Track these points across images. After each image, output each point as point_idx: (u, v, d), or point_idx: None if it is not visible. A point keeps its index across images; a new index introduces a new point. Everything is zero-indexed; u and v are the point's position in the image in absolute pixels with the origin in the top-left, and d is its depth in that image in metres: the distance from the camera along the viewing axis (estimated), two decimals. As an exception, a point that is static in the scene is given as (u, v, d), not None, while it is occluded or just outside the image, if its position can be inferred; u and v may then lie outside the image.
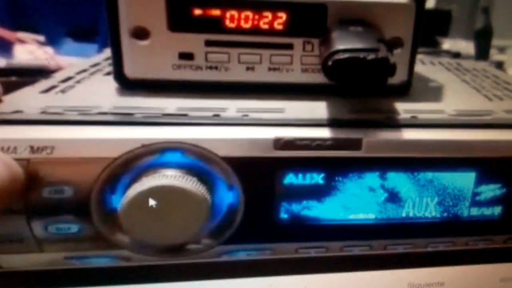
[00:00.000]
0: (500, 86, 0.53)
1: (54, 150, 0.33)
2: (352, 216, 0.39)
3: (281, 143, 0.35)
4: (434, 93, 0.49)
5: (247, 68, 0.43)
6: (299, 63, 0.43)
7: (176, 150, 0.35)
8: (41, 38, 1.12)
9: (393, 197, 0.39)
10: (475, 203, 0.40)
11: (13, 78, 0.63)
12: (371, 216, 0.39)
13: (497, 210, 0.40)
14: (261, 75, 0.43)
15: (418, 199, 0.39)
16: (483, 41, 1.13)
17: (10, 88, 0.41)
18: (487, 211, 0.40)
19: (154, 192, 0.32)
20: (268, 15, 0.41)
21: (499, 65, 1.10)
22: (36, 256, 0.35)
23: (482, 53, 1.12)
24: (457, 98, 0.47)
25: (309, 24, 0.42)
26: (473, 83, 0.54)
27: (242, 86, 0.43)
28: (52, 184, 0.34)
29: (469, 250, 0.37)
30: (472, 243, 0.41)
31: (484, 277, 0.35)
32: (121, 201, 0.33)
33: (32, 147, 0.33)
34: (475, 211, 0.40)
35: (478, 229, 0.41)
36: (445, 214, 0.40)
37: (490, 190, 0.39)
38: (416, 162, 0.38)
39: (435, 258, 0.35)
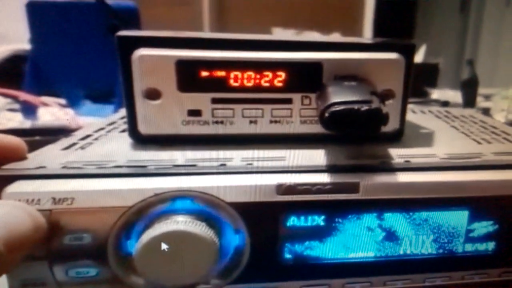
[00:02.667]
0: (488, 131, 0.53)
1: (74, 201, 0.34)
2: (352, 255, 0.39)
3: (283, 189, 0.36)
4: (426, 139, 0.49)
5: (250, 122, 0.43)
6: (298, 116, 0.44)
7: (185, 197, 0.36)
8: (62, 101, 1.13)
9: (391, 236, 0.39)
10: (469, 239, 0.40)
11: (37, 138, 0.64)
12: (371, 254, 0.39)
13: (490, 245, 0.40)
14: (263, 127, 0.44)
15: (415, 237, 0.39)
16: (469, 90, 1.14)
17: (34, 146, 0.41)
18: (481, 247, 0.40)
19: (166, 237, 0.33)
20: (269, 74, 0.42)
21: (486, 112, 1.10)
22: None
23: (469, 101, 1.12)
24: (447, 143, 0.47)
25: (306, 80, 0.43)
26: (462, 128, 0.55)
27: (246, 138, 0.43)
28: (72, 232, 0.35)
29: (465, 284, 0.37)
30: (468, 277, 0.41)
31: None
32: (135, 246, 0.34)
33: (54, 199, 0.34)
34: (469, 247, 0.40)
35: (473, 264, 0.41)
36: (440, 251, 0.40)
37: (483, 227, 0.40)
38: (411, 202, 0.38)
39: None
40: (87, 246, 0.35)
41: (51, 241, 0.35)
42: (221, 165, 0.38)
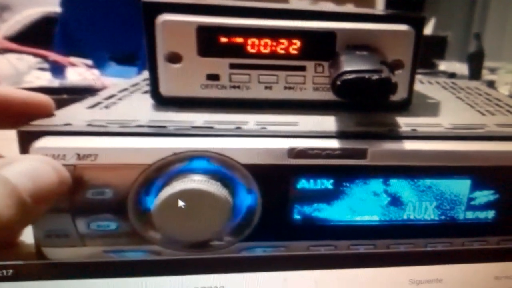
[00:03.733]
0: (492, 103, 0.53)
1: (97, 157, 0.34)
2: (358, 218, 0.39)
3: (294, 152, 0.36)
4: (432, 108, 0.49)
5: (266, 87, 0.43)
6: (311, 83, 0.44)
7: (202, 158, 0.35)
8: (89, 62, 1.13)
9: (395, 201, 0.39)
10: (470, 207, 0.40)
11: (65, 96, 0.65)
12: (375, 218, 0.39)
13: (490, 214, 0.40)
14: (278, 93, 0.44)
15: (418, 203, 0.39)
16: (475, 63, 1.13)
17: (61, 104, 0.42)
18: (481, 215, 0.40)
19: (183, 194, 0.33)
20: (284, 41, 0.42)
21: (491, 84, 1.09)
22: (79, 250, 0.37)
23: (475, 74, 1.12)
24: (453, 113, 0.47)
25: (319, 49, 0.42)
26: (467, 100, 0.54)
27: (261, 102, 0.43)
28: (95, 187, 0.35)
29: (465, 250, 0.37)
30: (468, 244, 0.41)
31: (479, 275, 0.34)
32: (154, 202, 0.34)
33: (78, 155, 0.34)
34: (470, 215, 0.40)
35: (473, 231, 0.41)
36: (442, 217, 0.40)
37: (484, 196, 0.39)
38: (416, 170, 0.38)
39: (434, 257, 0.34)
40: (108, 201, 0.36)
41: (74, 195, 0.35)
42: (237, 128, 0.38)
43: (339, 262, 0.33)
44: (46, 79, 1.08)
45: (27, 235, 0.37)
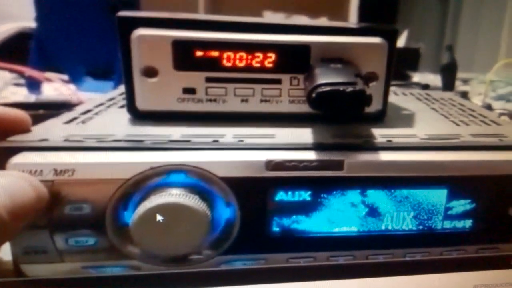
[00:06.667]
0: (466, 113, 0.53)
1: (74, 172, 0.34)
2: (336, 229, 0.39)
3: (272, 165, 0.36)
4: (407, 120, 0.49)
5: (242, 100, 0.44)
6: (287, 96, 0.44)
7: (180, 171, 0.36)
8: (65, 77, 1.13)
9: (373, 212, 0.39)
10: (447, 216, 0.40)
11: (41, 111, 0.64)
12: (354, 229, 0.40)
13: (468, 223, 0.40)
14: (254, 106, 0.44)
15: (396, 213, 0.40)
16: (448, 74, 1.14)
17: (38, 119, 0.41)
18: (459, 224, 0.40)
19: (161, 208, 0.33)
20: (260, 55, 0.42)
21: (464, 95, 1.11)
22: (57, 266, 0.36)
23: (448, 85, 1.13)
24: (427, 124, 0.47)
25: (294, 62, 0.43)
26: (441, 110, 0.55)
27: (237, 115, 0.44)
28: (73, 202, 0.35)
29: (444, 260, 0.37)
30: (446, 253, 0.41)
31: (458, 284, 0.35)
32: (132, 217, 0.34)
33: (55, 170, 0.34)
34: (448, 224, 0.40)
35: (452, 240, 0.41)
36: (420, 227, 0.40)
37: (461, 205, 0.40)
38: (392, 180, 0.38)
39: (413, 267, 0.34)
40: (86, 216, 0.35)
41: (52, 210, 0.35)
42: (214, 141, 0.38)
43: (319, 274, 0.33)
44: (22, 94, 1.08)
45: (5, 252, 0.36)
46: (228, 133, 0.40)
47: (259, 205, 0.38)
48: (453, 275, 0.35)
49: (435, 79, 1.33)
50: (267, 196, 0.37)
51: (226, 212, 0.37)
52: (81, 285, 0.30)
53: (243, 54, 0.42)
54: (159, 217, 0.34)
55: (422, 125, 0.47)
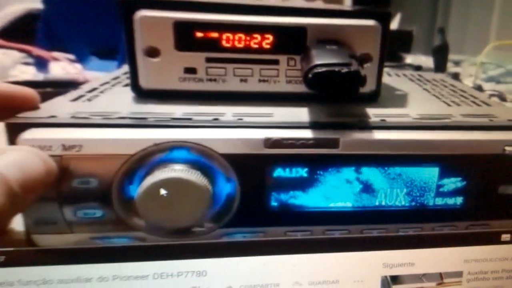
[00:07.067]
0: (457, 94, 0.53)
1: (82, 148, 0.35)
2: (332, 204, 0.40)
3: (270, 142, 0.37)
4: (400, 100, 0.50)
5: (241, 80, 0.44)
6: (284, 76, 0.44)
7: (182, 148, 0.36)
8: (72, 56, 1.13)
9: (367, 188, 0.40)
10: (439, 193, 0.41)
11: (49, 89, 0.65)
12: (349, 204, 0.40)
13: (459, 200, 0.41)
14: (253, 85, 0.44)
15: (389, 190, 0.40)
16: (440, 56, 1.13)
17: (46, 97, 0.42)
18: (450, 201, 0.41)
19: (164, 183, 0.34)
20: (258, 36, 0.43)
21: (455, 76, 1.09)
22: (66, 237, 0.37)
23: (440, 66, 1.12)
24: (420, 104, 0.48)
25: (292, 43, 0.43)
26: (433, 91, 0.55)
27: (237, 95, 0.44)
28: (80, 176, 0.35)
29: (435, 235, 0.36)
30: (438, 229, 0.42)
31: (449, 258, 0.34)
32: (137, 190, 0.34)
33: (64, 146, 0.35)
34: (439, 201, 0.41)
35: (443, 217, 0.41)
36: (413, 203, 0.41)
37: (452, 183, 0.40)
38: (386, 158, 0.39)
39: (406, 241, 0.34)
40: (93, 190, 0.36)
41: (61, 184, 0.35)
42: (214, 119, 0.38)
43: (316, 247, 0.33)
44: (30, 73, 1.08)
45: (18, 223, 0.37)
46: (228, 112, 0.41)
47: (258, 181, 0.38)
48: (444, 249, 0.35)
49: (427, 61, 1.32)
50: (266, 172, 0.38)
51: (226, 187, 0.38)
52: (89, 255, 0.31)
53: (242, 35, 0.43)
54: (162, 191, 0.34)
55: (414, 105, 0.47)
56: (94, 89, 0.49)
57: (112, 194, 0.36)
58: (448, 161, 0.40)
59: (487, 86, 1.14)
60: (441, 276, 0.35)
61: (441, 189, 0.41)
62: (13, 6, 1.27)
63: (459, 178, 0.40)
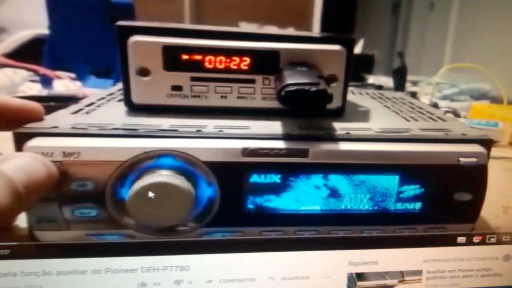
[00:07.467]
0: (415, 110, 0.54)
1: (80, 155, 0.35)
2: (302, 207, 0.40)
3: (247, 152, 0.37)
4: (363, 115, 0.50)
5: (221, 97, 0.44)
6: (260, 93, 0.45)
7: (168, 156, 0.36)
8: (73, 75, 1.13)
9: (334, 193, 0.40)
10: (399, 199, 0.41)
11: (52, 103, 0.65)
12: (317, 207, 0.40)
13: (417, 205, 0.41)
14: (232, 101, 0.44)
15: (354, 195, 0.40)
16: (400, 77, 1.15)
17: (49, 110, 0.42)
18: (410, 206, 0.41)
19: (152, 186, 0.34)
20: (236, 59, 0.43)
21: (413, 95, 1.12)
22: (65, 233, 0.37)
23: (399, 86, 1.14)
24: (381, 119, 0.48)
25: (266, 65, 0.44)
26: (393, 108, 0.55)
27: (218, 109, 0.44)
28: (78, 180, 0.36)
29: (397, 236, 0.37)
30: (399, 231, 0.42)
31: (410, 258, 0.34)
32: (128, 193, 0.35)
33: (64, 153, 0.35)
34: (400, 206, 0.41)
35: (403, 220, 0.42)
36: (376, 208, 0.41)
37: (411, 190, 0.41)
38: (351, 167, 0.39)
39: (370, 242, 0.34)
40: (89, 192, 0.36)
41: (61, 186, 0.36)
42: (198, 130, 0.39)
43: (288, 245, 0.34)
44: (36, 89, 1.08)
45: (21, 221, 0.37)
46: (210, 124, 0.41)
47: (236, 186, 0.38)
48: (405, 250, 0.35)
49: (387, 81, 1.34)
50: (243, 178, 0.38)
51: (208, 191, 0.38)
52: (84, 249, 0.31)
53: (223, 58, 0.43)
54: (150, 194, 0.34)
55: (376, 120, 0.48)
56: (92, 103, 0.49)
57: (106, 196, 0.37)
58: (407, 170, 0.40)
59: (442, 103, 1.16)
60: (402, 274, 0.35)
61: (401, 195, 0.41)
62: (23, 32, 1.28)
63: (418, 186, 0.41)
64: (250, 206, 0.39)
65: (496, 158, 0.67)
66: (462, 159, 0.40)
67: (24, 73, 1.12)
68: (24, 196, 0.30)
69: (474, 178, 0.41)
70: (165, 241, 0.33)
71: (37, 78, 1.12)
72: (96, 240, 0.38)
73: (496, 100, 1.18)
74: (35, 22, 1.29)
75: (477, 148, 0.41)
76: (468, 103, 1.13)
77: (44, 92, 1.05)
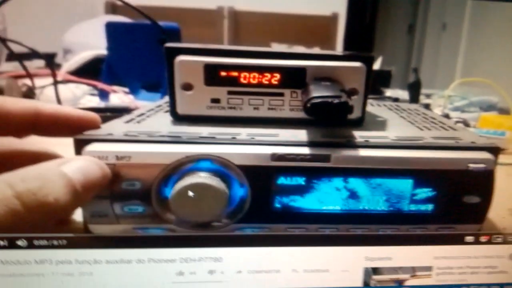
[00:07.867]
0: (428, 120, 0.53)
1: (131, 158, 0.36)
2: (324, 207, 0.40)
3: (276, 157, 0.38)
4: (381, 125, 0.50)
5: (254, 108, 0.45)
6: (288, 105, 0.45)
7: (207, 160, 0.37)
8: (126, 89, 1.15)
9: (353, 195, 0.40)
10: (413, 201, 0.40)
11: (108, 114, 0.66)
12: (338, 207, 0.40)
13: (429, 207, 0.41)
14: (263, 112, 0.45)
15: (371, 197, 0.40)
16: (414, 90, 1.13)
17: (105, 120, 0.43)
18: (422, 207, 0.41)
19: (192, 187, 0.35)
20: (268, 75, 0.44)
21: (427, 106, 1.10)
22: (114, 227, 0.38)
23: (414, 98, 1.12)
24: (397, 128, 0.48)
25: (294, 80, 0.44)
26: (408, 118, 0.55)
27: (250, 119, 0.45)
28: (128, 180, 0.37)
29: (410, 235, 0.36)
30: (412, 230, 0.41)
31: (421, 255, 0.33)
32: (171, 192, 0.35)
33: (117, 156, 0.36)
34: (413, 207, 0.41)
35: (416, 220, 0.41)
36: (391, 208, 0.41)
37: (424, 192, 0.40)
38: (369, 171, 0.39)
39: (385, 239, 0.34)
40: (137, 191, 0.37)
41: (113, 186, 0.37)
42: (232, 138, 0.39)
43: (310, 241, 0.34)
44: (95, 102, 1.10)
45: (77, 215, 0.39)
46: (243, 132, 0.41)
47: (265, 187, 0.39)
48: (417, 247, 0.35)
49: (403, 94, 1.31)
50: (272, 180, 0.39)
51: (240, 191, 0.38)
52: (132, 241, 0.31)
53: (256, 74, 0.44)
54: (190, 193, 0.35)
55: (392, 129, 0.47)
56: (142, 114, 0.50)
57: (152, 194, 0.37)
58: (421, 174, 0.40)
59: (453, 114, 1.13)
60: (414, 269, 0.35)
61: (414, 197, 0.40)
62: (85, 52, 1.31)
63: (430, 189, 0.40)
64: (277, 205, 0.39)
65: (503, 164, 0.65)
66: (471, 165, 0.40)
67: (85, 87, 1.15)
68: (81, 194, 0.31)
69: (482, 182, 0.40)
70: (201, 235, 0.33)
71: (96, 92, 1.15)
72: (141, 233, 0.39)
73: (504, 111, 1.16)
74: (96, 44, 1.31)
75: (485, 155, 0.40)
76: (478, 114, 1.11)
77: (102, 104, 1.07)
